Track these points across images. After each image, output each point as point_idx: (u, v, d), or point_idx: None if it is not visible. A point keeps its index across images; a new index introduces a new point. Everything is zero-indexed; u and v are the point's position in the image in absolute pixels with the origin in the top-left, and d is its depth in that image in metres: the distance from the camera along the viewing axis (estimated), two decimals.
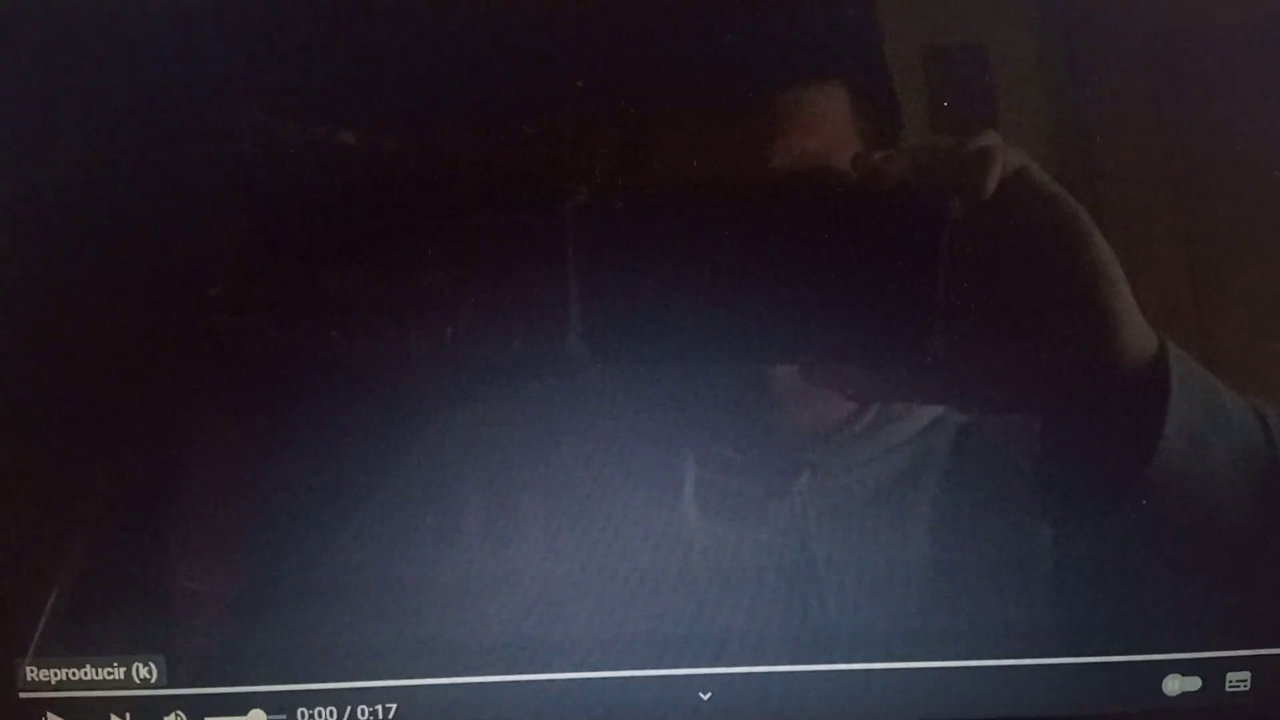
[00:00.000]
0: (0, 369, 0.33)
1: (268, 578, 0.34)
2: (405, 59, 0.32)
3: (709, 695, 0.35)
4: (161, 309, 0.33)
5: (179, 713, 0.34)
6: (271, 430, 0.33)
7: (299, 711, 0.34)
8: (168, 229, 0.33)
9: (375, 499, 0.34)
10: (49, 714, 0.34)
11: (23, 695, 0.34)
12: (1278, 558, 0.35)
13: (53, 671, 0.34)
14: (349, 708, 0.34)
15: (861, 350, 0.33)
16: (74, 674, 0.34)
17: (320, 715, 0.34)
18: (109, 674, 0.34)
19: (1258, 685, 0.35)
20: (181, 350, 0.33)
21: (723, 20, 0.32)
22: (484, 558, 0.34)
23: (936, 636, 0.34)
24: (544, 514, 0.34)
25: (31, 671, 0.34)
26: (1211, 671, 0.34)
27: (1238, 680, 0.34)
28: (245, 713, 0.34)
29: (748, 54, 0.33)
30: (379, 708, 0.34)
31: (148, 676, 0.34)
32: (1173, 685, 0.35)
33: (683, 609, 0.35)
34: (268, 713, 0.34)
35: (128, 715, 0.34)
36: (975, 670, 0.35)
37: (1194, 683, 0.35)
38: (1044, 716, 0.35)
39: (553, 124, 0.33)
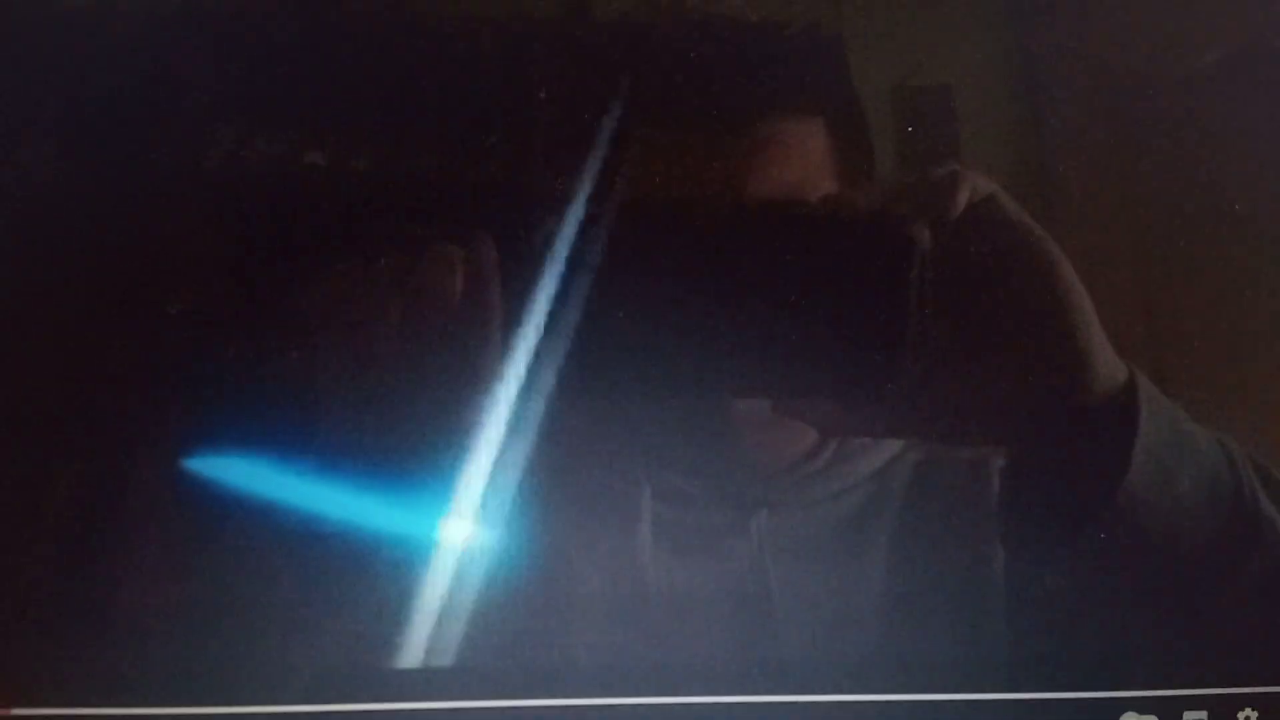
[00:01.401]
0: None
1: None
2: (379, 80, 0.32)
3: None
4: (123, 324, 0.32)
5: None
6: (213, 449, 0.32)
7: None
8: (134, 243, 0.32)
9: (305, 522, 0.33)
10: None
11: None
12: (1236, 595, 0.35)
13: None
14: None
15: (830, 382, 0.33)
16: None
17: None
18: None
19: None
20: (135, 370, 0.32)
21: (697, 54, 0.33)
22: (430, 588, 0.33)
23: (889, 669, 0.34)
24: (498, 543, 0.33)
25: None
26: (1168, 710, 0.34)
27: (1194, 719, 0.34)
28: None
29: (722, 86, 0.33)
30: None
31: None
32: None
33: (636, 649, 0.34)
34: None
35: None
36: (926, 705, 0.34)
37: None
38: None
39: (525, 150, 0.33)
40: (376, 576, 0.33)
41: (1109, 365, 0.33)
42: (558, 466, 0.33)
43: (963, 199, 0.33)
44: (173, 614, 0.32)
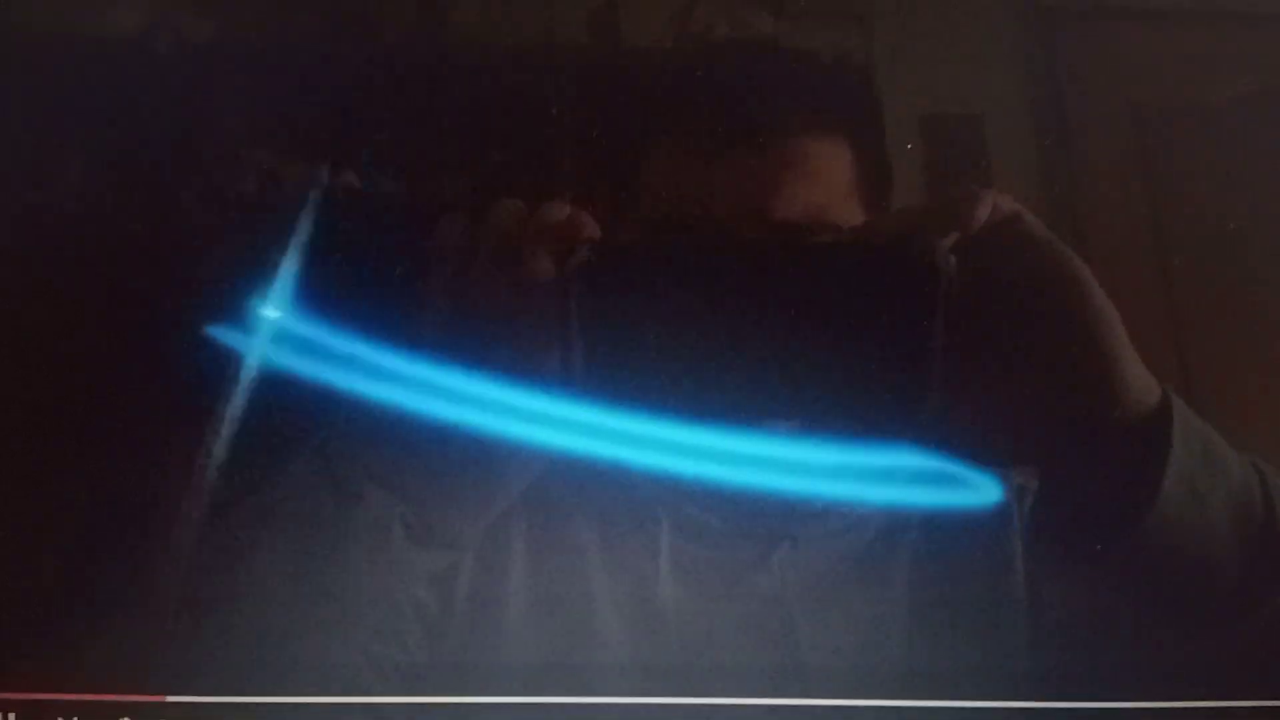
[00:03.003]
0: None
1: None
2: (411, 109, 0.33)
3: None
4: (156, 341, 0.34)
5: None
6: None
7: None
8: (168, 263, 0.34)
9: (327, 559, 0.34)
10: None
11: None
12: (1260, 616, 0.34)
13: None
14: None
15: (857, 407, 0.33)
16: None
17: None
18: None
19: None
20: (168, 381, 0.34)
21: (726, 81, 0.33)
22: (450, 621, 0.34)
23: (903, 676, 0.34)
24: (513, 575, 0.34)
25: None
26: None
27: None
28: None
29: (751, 113, 0.33)
30: None
31: None
32: None
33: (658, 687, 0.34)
34: None
35: None
36: (933, 711, 0.34)
37: None
38: None
39: (553, 175, 0.33)
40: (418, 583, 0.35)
41: (1141, 386, 0.33)
42: (582, 500, 0.34)
43: (982, 214, 0.32)
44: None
